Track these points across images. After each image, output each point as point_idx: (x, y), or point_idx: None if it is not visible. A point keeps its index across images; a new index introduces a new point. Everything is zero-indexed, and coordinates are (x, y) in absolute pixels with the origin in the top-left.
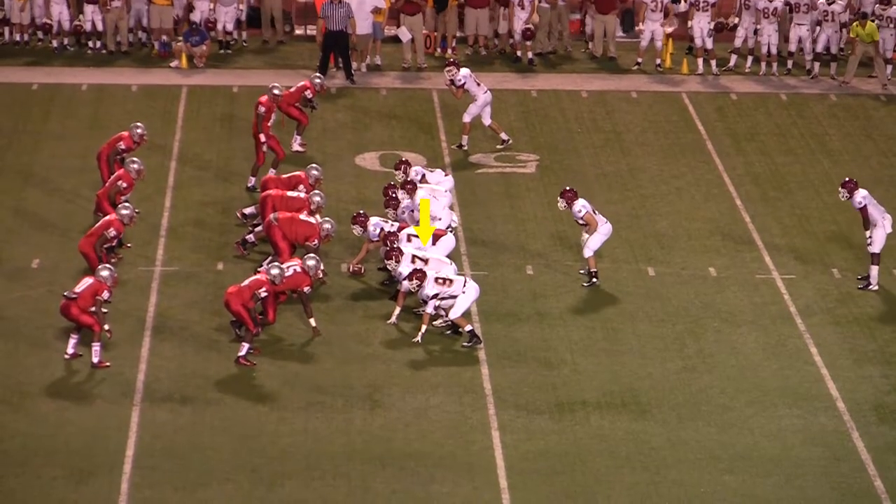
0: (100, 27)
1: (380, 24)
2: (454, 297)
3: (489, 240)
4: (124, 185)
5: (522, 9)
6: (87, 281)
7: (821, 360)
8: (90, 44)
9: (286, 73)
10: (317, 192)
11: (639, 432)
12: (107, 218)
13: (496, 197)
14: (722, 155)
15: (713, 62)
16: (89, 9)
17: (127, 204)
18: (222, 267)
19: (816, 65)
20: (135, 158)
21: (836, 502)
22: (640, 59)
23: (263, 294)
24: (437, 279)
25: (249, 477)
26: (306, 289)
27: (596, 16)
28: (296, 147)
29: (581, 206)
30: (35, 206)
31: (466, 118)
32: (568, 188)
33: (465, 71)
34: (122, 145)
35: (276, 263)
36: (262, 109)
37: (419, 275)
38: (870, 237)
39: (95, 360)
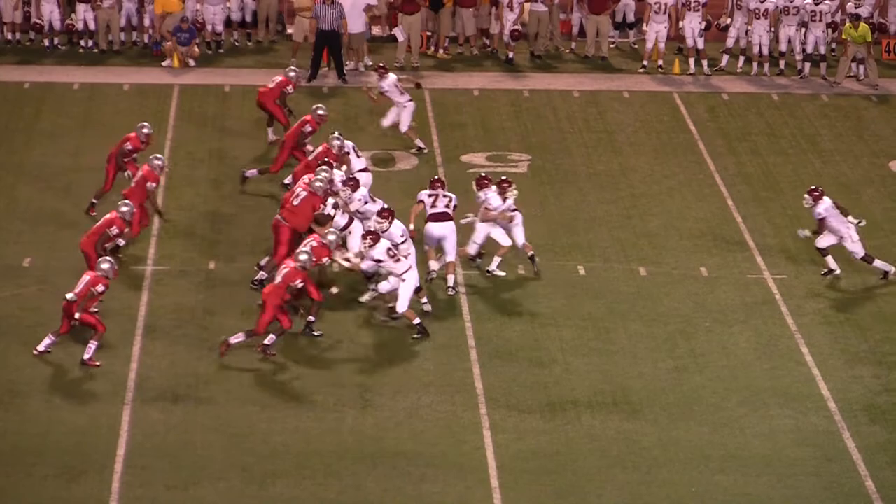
0: (92, 26)
1: (370, 24)
2: (391, 274)
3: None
4: (153, 185)
5: (511, 10)
6: (86, 279)
7: (812, 360)
8: (82, 42)
9: (277, 72)
10: (332, 230)
11: (630, 432)
12: (108, 216)
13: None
14: (713, 155)
15: (705, 62)
16: (81, 7)
17: (128, 202)
18: (213, 266)
19: (807, 65)
20: (158, 155)
21: (827, 502)
22: (645, 62)
23: (300, 285)
24: (388, 249)
25: (241, 476)
26: (325, 260)
27: (589, 16)
28: (271, 137)
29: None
30: (26, 205)
31: (403, 128)
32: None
33: (392, 78)
34: (129, 146)
35: (304, 249)
36: (308, 128)
37: (373, 237)
38: (821, 246)
39: (87, 356)
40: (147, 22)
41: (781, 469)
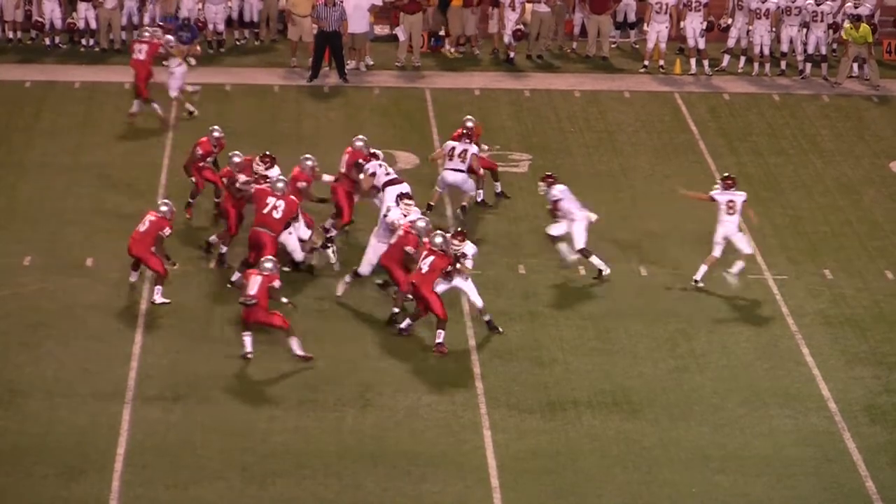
0: (93, 25)
1: (372, 24)
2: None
3: (482, 239)
4: (304, 184)
5: (513, 10)
6: (258, 279)
7: (812, 360)
8: (83, 41)
9: (277, 72)
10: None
11: (630, 432)
12: (152, 219)
13: (488, 196)
14: (714, 155)
15: (706, 62)
16: (82, 6)
17: (167, 201)
18: (214, 265)
19: (808, 65)
20: (237, 152)
21: (827, 502)
22: (646, 62)
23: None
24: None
25: (241, 475)
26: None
27: (590, 16)
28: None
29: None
30: (27, 204)
31: (172, 93)
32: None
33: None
34: (199, 150)
35: (421, 217)
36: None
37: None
38: (553, 234)
39: (157, 300)
40: (147, 21)
41: (781, 469)
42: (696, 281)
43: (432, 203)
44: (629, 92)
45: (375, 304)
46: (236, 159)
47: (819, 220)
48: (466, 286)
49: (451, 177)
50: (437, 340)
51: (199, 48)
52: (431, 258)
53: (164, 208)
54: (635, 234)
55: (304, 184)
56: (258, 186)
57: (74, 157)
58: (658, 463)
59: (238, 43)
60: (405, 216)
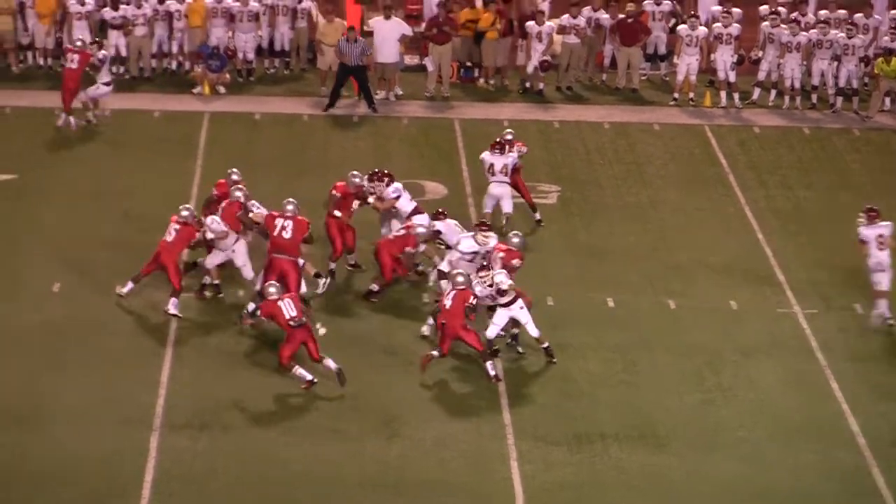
0: (123, 52)
1: (402, 54)
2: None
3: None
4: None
5: (540, 41)
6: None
7: (841, 395)
8: (113, 69)
9: (307, 101)
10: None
11: (657, 465)
12: (177, 228)
13: (517, 227)
14: (744, 188)
15: (736, 95)
16: (113, 34)
17: (188, 206)
18: (242, 293)
19: (839, 99)
20: (355, 172)
21: None
22: (676, 95)
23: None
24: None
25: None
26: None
27: (620, 48)
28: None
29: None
30: (54, 230)
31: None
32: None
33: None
34: (336, 194)
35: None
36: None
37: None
38: None
39: (171, 310)
40: (175, 49)
41: None
42: (886, 318)
43: (487, 221)
44: (659, 124)
45: (403, 333)
46: (238, 193)
47: (849, 254)
48: (522, 315)
49: (497, 189)
50: (491, 372)
51: (228, 76)
52: (453, 293)
53: (185, 213)
54: (664, 266)
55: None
56: (267, 213)
57: (102, 183)
58: (684, 496)
59: (268, 72)
60: (480, 246)
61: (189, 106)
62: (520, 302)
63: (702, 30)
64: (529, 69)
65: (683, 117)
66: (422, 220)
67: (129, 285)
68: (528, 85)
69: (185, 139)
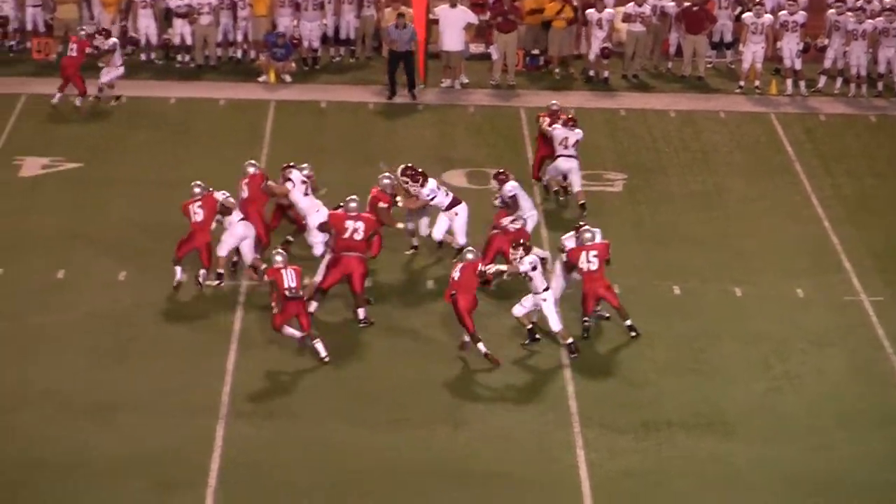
0: (188, 41)
1: (468, 43)
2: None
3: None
4: (384, 205)
5: (601, 28)
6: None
7: None
8: (178, 57)
9: (372, 89)
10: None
11: (723, 453)
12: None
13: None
14: (810, 176)
15: (802, 83)
16: (178, 22)
17: (199, 183)
18: (307, 281)
19: None
20: (386, 173)
21: None
22: (742, 83)
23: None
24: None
25: (329, 493)
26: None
27: (686, 36)
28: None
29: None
30: (121, 220)
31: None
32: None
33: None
34: (383, 205)
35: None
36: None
37: (525, 248)
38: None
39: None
40: (240, 37)
41: (878, 494)
42: None
43: (557, 189)
44: (724, 112)
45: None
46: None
47: None
48: (547, 309)
49: (565, 164)
50: (483, 350)
51: (293, 65)
52: (461, 265)
53: (197, 190)
54: (730, 254)
55: (384, 205)
56: (331, 212)
57: (168, 172)
58: (751, 485)
59: (333, 60)
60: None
61: (255, 94)
62: (547, 294)
63: (767, 17)
64: (591, 57)
65: (749, 105)
66: (462, 209)
67: (178, 271)
68: (591, 73)
69: (250, 128)
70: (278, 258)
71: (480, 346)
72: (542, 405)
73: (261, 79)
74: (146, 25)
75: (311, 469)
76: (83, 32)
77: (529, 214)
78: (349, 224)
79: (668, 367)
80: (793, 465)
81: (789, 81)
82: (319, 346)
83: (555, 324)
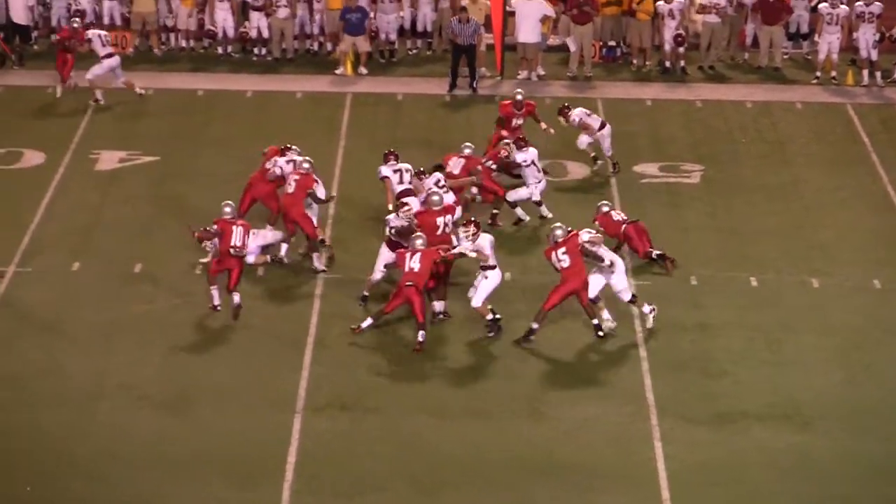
0: (265, 34)
1: (545, 34)
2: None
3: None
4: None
5: (672, 18)
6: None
7: None
8: (255, 50)
9: (448, 81)
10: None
11: (801, 444)
12: (297, 178)
13: (660, 207)
14: (886, 167)
15: (878, 73)
16: (255, 15)
17: (231, 203)
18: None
19: None
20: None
21: None
22: (818, 73)
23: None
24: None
25: (408, 485)
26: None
27: (762, 27)
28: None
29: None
30: (196, 212)
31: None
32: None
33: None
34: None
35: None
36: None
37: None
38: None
39: (319, 266)
40: (316, 30)
41: None
42: None
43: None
44: (801, 103)
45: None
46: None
47: None
48: (482, 285)
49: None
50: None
51: (369, 45)
52: (419, 254)
53: (306, 165)
54: (806, 245)
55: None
56: (419, 212)
57: (244, 165)
58: (828, 476)
59: (410, 53)
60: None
61: (331, 87)
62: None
63: (843, 8)
64: (666, 48)
65: (825, 96)
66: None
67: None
68: (667, 65)
69: (327, 120)
70: (227, 210)
71: (421, 333)
72: (619, 397)
73: (338, 71)
74: (223, 18)
75: (389, 462)
76: (76, 24)
77: (537, 181)
78: (440, 221)
79: (744, 359)
80: (870, 457)
81: (865, 72)
82: (237, 298)
83: (477, 300)
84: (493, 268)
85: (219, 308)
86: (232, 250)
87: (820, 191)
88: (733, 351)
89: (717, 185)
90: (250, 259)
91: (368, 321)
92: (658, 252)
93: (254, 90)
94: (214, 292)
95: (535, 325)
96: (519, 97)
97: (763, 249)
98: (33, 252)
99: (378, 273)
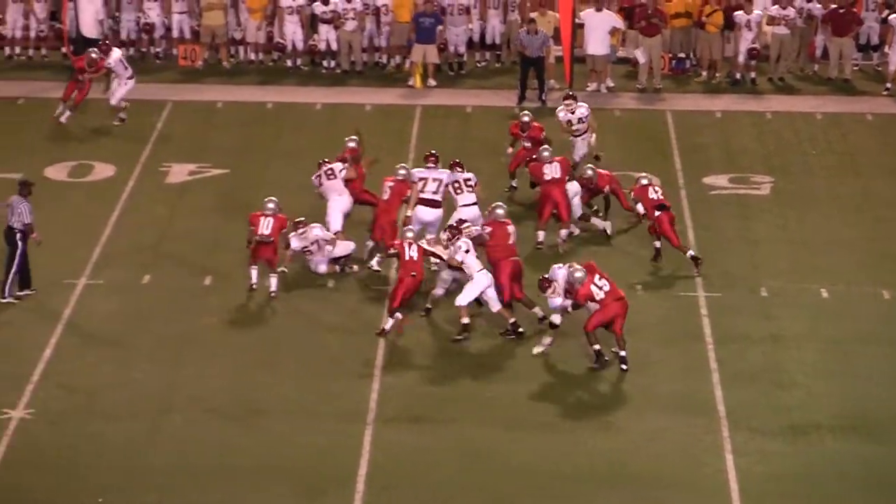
0: (334, 46)
1: (614, 47)
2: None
3: (723, 261)
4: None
5: (749, 30)
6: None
7: None
8: (324, 63)
9: (517, 93)
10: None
11: (874, 457)
12: (391, 185)
13: (730, 218)
14: None
15: None
16: (324, 28)
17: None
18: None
19: None
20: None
21: None
22: (889, 85)
23: None
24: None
25: (480, 497)
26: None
27: (832, 38)
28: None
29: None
30: None
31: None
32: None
33: (116, 54)
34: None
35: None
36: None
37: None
38: None
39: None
40: (384, 43)
41: None
42: None
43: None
44: (871, 114)
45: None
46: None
47: None
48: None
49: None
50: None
51: (437, 53)
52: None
53: (402, 172)
54: (877, 257)
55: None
56: (490, 221)
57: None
58: None
59: (479, 65)
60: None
61: (400, 100)
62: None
63: None
64: (739, 59)
65: None
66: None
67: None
68: (738, 76)
69: (396, 132)
70: (270, 205)
71: (394, 317)
72: (690, 409)
73: (409, 82)
74: (293, 31)
75: (459, 473)
76: (94, 55)
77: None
78: (510, 229)
79: (816, 370)
80: None
81: None
82: (273, 280)
83: (463, 298)
84: (480, 270)
85: (255, 287)
86: (258, 237)
87: (891, 202)
88: (805, 362)
89: (787, 197)
90: (321, 269)
91: (389, 321)
92: (693, 254)
93: (323, 103)
94: (253, 272)
95: (596, 347)
96: (525, 119)
97: (834, 261)
98: (103, 265)
99: (440, 287)
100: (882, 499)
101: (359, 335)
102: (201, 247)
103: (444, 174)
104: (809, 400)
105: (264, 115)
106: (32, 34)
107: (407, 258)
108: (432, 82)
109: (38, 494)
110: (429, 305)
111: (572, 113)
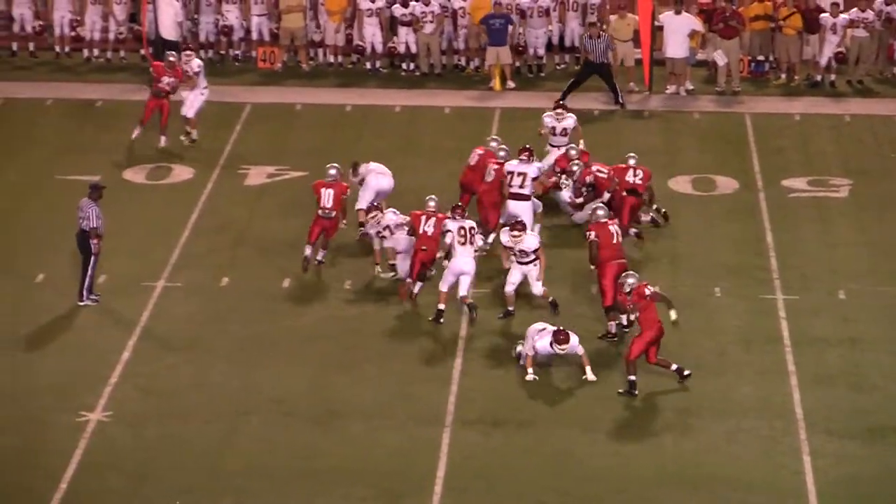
0: (413, 49)
1: (693, 49)
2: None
3: (801, 264)
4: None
5: (834, 33)
6: None
7: None
8: (403, 65)
9: (595, 96)
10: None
11: None
12: (480, 153)
13: (808, 221)
14: None
15: None
16: (403, 31)
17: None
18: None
19: None
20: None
21: None
22: None
23: None
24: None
25: (558, 499)
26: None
27: None
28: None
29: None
30: (347, 228)
31: (190, 113)
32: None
33: (198, 62)
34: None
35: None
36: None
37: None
38: None
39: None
40: (462, 45)
41: None
42: None
43: None
44: None
45: (692, 328)
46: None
47: None
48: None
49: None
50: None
51: (510, 53)
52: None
53: (493, 143)
54: None
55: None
56: (595, 224)
57: (395, 180)
58: None
59: (558, 67)
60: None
61: (479, 102)
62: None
63: None
64: (823, 62)
65: None
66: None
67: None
68: (818, 79)
69: (476, 135)
70: (332, 171)
71: (417, 286)
72: (768, 412)
73: (489, 84)
74: (372, 34)
75: (538, 476)
76: (171, 59)
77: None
78: (612, 229)
79: (894, 373)
80: None
81: None
82: (320, 255)
83: (538, 287)
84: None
85: (308, 260)
86: (321, 212)
87: None
88: (884, 365)
89: (866, 200)
90: (416, 288)
91: (418, 285)
92: (636, 231)
93: (402, 105)
94: (307, 249)
95: (632, 378)
96: (502, 153)
97: None
98: (182, 267)
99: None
100: None
101: (437, 338)
102: (280, 249)
103: (532, 168)
104: (887, 403)
105: (343, 117)
106: (111, 36)
107: (421, 231)
108: (511, 84)
109: (116, 497)
110: (510, 308)
111: (559, 122)
